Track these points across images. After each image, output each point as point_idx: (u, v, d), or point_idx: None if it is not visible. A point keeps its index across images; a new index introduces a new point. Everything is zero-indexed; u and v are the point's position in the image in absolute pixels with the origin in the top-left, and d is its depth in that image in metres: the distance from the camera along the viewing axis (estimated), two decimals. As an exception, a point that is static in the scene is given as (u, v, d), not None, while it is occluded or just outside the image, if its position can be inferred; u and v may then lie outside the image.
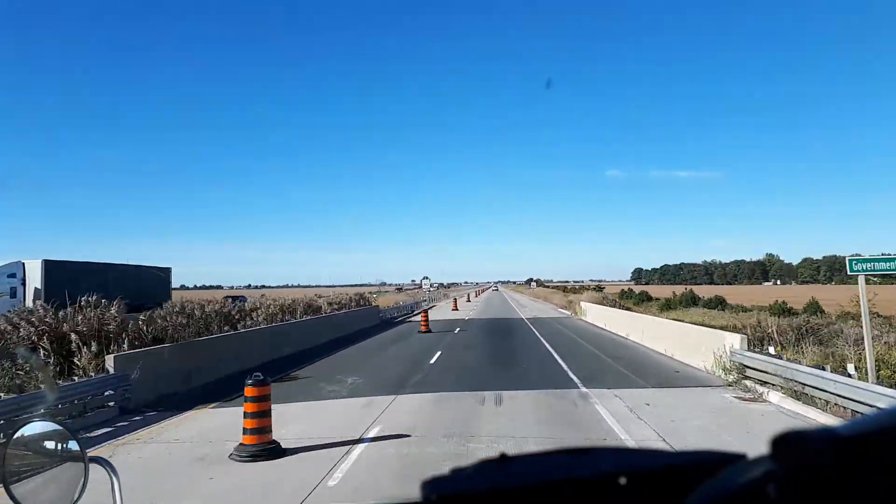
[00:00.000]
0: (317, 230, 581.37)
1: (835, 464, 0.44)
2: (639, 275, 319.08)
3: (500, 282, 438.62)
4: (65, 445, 1.54)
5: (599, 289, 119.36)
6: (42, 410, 8.19)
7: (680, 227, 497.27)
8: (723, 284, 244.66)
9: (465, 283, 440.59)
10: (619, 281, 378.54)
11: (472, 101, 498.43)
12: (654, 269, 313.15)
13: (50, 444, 1.54)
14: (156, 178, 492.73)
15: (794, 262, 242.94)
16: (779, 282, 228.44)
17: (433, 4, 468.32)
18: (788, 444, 0.47)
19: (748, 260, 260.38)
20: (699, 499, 0.52)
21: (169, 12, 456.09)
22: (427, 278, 46.42)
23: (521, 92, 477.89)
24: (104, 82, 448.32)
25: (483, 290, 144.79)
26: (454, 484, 0.62)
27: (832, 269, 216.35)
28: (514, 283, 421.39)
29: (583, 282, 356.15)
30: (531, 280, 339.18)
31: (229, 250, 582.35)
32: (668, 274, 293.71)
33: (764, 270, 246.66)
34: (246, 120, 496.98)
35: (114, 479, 1.52)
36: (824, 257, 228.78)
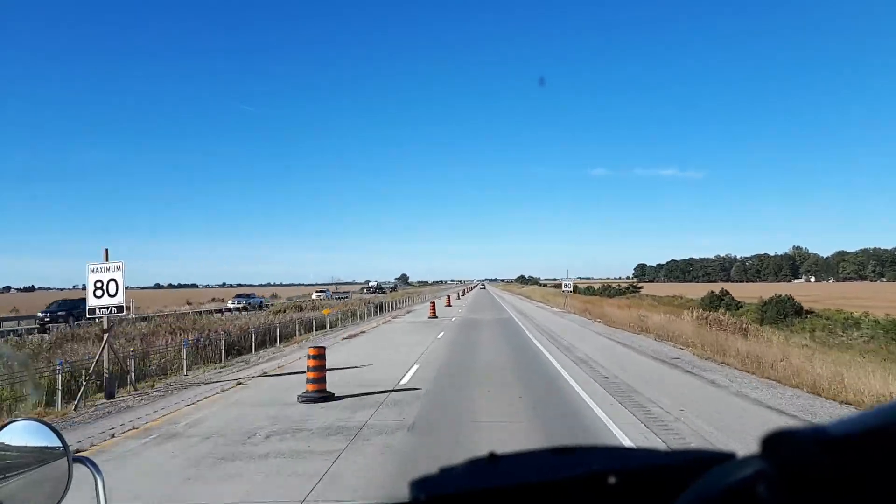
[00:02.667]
0: (303, 228, 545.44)
1: (825, 463, 0.43)
2: (642, 271, 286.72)
3: (487, 280, 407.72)
4: (49, 445, 1.48)
5: (635, 289, 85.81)
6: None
7: (683, 221, 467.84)
8: (742, 281, 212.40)
9: (451, 281, 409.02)
10: (621, 278, 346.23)
11: (461, 99, 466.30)
12: (660, 265, 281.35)
13: (33, 444, 1.48)
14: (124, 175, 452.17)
15: (823, 256, 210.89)
16: (813, 278, 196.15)
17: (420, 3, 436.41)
18: (778, 443, 0.46)
19: (773, 254, 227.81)
20: (689, 498, 0.51)
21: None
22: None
23: (510, 89, 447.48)
24: (83, 79, 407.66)
25: (469, 290, 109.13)
26: (443, 484, 0.61)
27: (881, 264, 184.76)
28: (503, 280, 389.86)
29: (561, 279, 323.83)
30: (524, 277, 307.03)
31: (213, 248, 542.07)
32: (676, 270, 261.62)
33: (793, 265, 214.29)
34: (225, 114, 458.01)
35: (98, 478, 1.51)
36: (864, 250, 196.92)
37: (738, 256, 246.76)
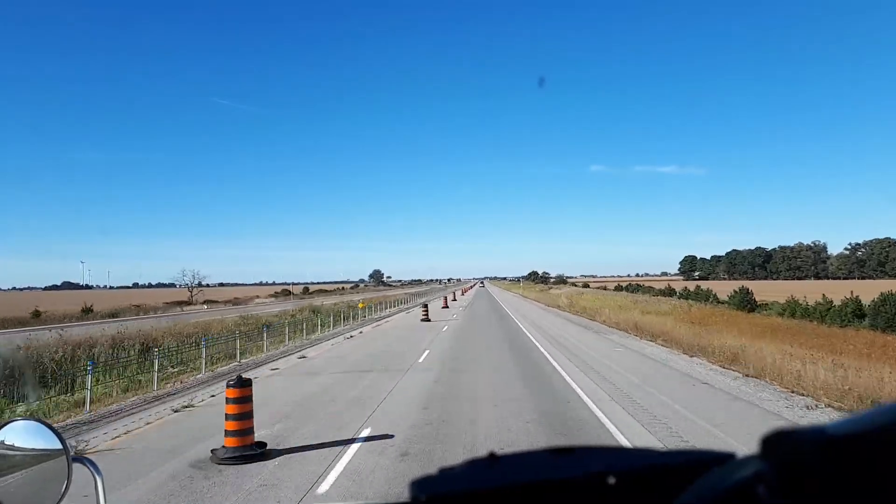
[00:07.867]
0: (296, 227, 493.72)
1: (824, 463, 0.43)
2: (691, 265, 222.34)
3: (487, 278, 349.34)
4: (49, 445, 1.46)
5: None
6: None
7: (724, 211, 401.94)
8: (856, 278, 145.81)
9: (451, 279, 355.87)
10: (665, 276, 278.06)
11: (464, 98, 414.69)
12: (716, 258, 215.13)
13: (33, 443, 1.47)
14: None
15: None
16: None
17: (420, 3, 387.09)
18: (778, 443, 0.46)
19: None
20: (689, 498, 0.51)
21: None
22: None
23: (510, 90, 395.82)
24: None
25: (464, 292, 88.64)
26: (443, 484, 0.61)
27: None
28: (506, 279, 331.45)
29: (593, 277, 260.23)
30: (537, 274, 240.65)
31: (197, 247, 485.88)
32: (742, 263, 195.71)
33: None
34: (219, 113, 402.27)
35: (97, 478, 1.51)
36: None
37: (821, 243, 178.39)
